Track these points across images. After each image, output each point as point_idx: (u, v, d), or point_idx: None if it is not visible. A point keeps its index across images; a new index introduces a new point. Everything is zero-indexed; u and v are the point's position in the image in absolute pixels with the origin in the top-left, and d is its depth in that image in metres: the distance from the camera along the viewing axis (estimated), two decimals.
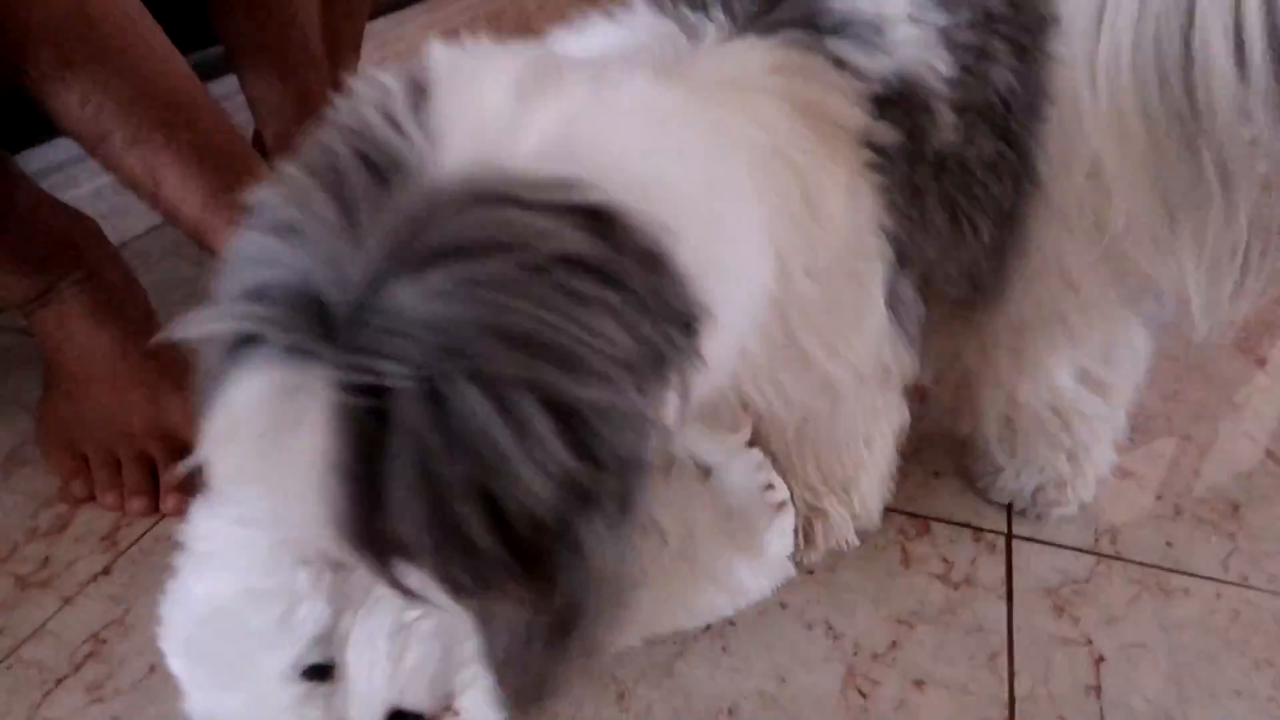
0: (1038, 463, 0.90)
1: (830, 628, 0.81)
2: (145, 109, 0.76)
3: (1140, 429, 1.01)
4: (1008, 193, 0.70)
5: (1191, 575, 0.86)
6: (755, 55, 0.60)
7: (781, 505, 0.76)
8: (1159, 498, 0.95)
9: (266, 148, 1.17)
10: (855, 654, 0.79)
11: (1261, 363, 1.16)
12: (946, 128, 0.65)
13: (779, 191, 0.56)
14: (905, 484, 0.98)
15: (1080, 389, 0.83)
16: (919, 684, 0.77)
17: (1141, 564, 0.87)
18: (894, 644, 0.80)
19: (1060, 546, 0.90)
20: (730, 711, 0.74)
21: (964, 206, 0.69)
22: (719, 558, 0.75)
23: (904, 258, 0.65)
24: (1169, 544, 0.90)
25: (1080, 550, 0.90)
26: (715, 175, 0.52)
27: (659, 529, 0.75)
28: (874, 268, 0.63)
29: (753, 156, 0.55)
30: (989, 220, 0.70)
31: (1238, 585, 0.85)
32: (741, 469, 0.75)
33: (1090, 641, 0.80)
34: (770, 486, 0.77)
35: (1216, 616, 0.82)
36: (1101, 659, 0.78)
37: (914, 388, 0.78)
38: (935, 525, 0.93)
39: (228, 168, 0.77)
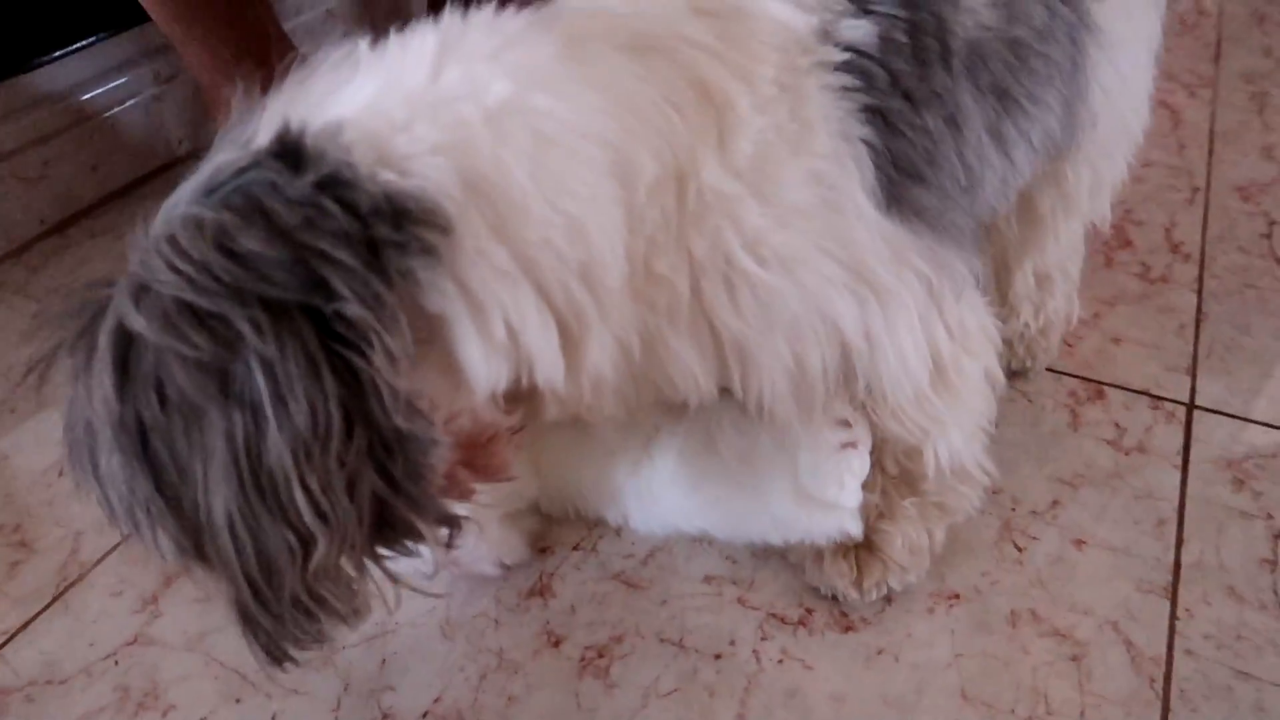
0: None
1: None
2: None
3: None
4: (1066, 52, 0.67)
5: None
6: None
7: (848, 447, 0.68)
8: None
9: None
10: (1014, 509, 0.79)
11: None
12: (980, 10, 0.61)
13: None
14: (1080, 348, 0.94)
15: None
16: (1079, 543, 0.76)
17: None
18: (1055, 503, 0.79)
19: (1249, 420, 0.85)
20: None
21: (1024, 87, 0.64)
22: (771, 488, 0.71)
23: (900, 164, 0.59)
24: None
25: (1271, 426, 0.84)
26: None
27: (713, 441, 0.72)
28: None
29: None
30: (1057, 86, 0.67)
31: None
32: None
33: (1271, 516, 0.76)
34: (845, 424, 0.68)
35: None
36: None
37: None
38: (1110, 391, 0.89)
39: None
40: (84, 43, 1.25)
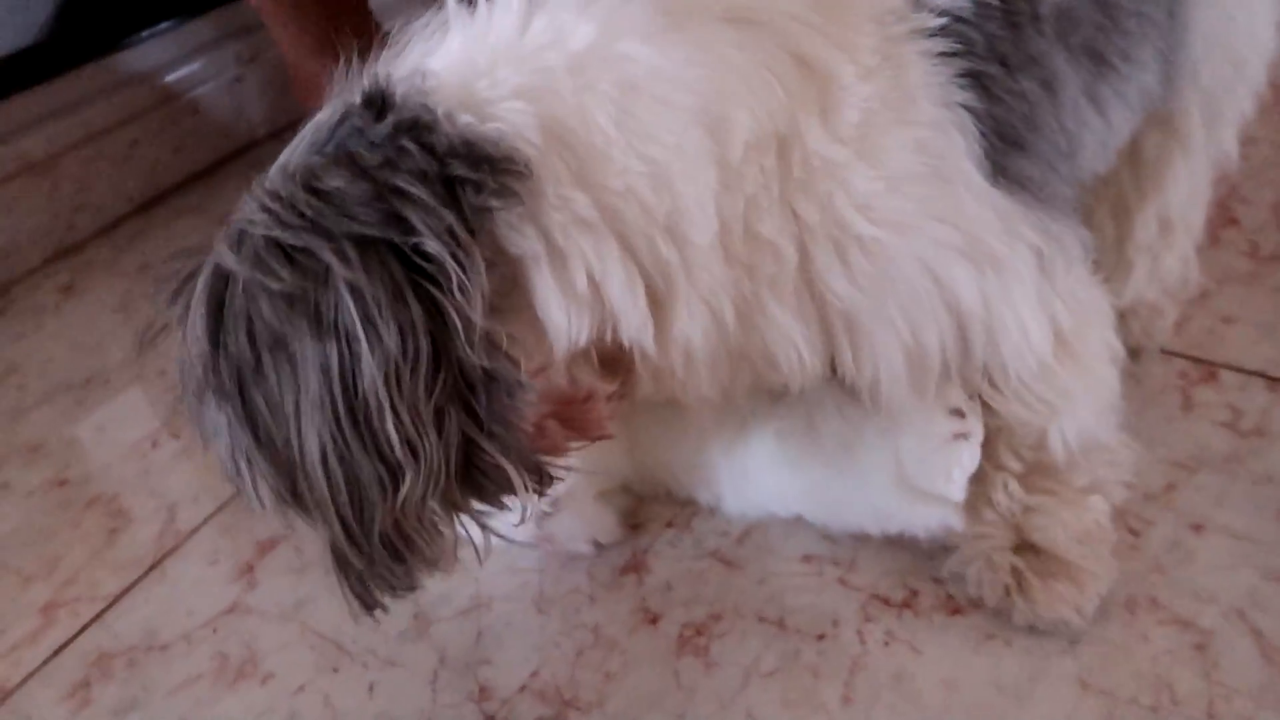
0: None
1: None
2: None
3: None
4: (1161, 5, 0.65)
5: None
6: None
7: (959, 438, 0.65)
8: None
9: None
10: (1127, 493, 0.75)
11: None
12: None
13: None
14: (1189, 327, 0.90)
15: None
16: (1197, 528, 0.72)
17: None
18: (1170, 486, 0.76)
19: None
20: None
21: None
22: (872, 476, 0.68)
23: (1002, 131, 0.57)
24: None
25: None
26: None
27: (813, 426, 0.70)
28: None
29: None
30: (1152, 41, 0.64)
31: None
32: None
33: None
34: (958, 414, 0.65)
35: None
36: None
37: None
38: (1223, 372, 0.85)
39: None
40: (169, 23, 1.27)
